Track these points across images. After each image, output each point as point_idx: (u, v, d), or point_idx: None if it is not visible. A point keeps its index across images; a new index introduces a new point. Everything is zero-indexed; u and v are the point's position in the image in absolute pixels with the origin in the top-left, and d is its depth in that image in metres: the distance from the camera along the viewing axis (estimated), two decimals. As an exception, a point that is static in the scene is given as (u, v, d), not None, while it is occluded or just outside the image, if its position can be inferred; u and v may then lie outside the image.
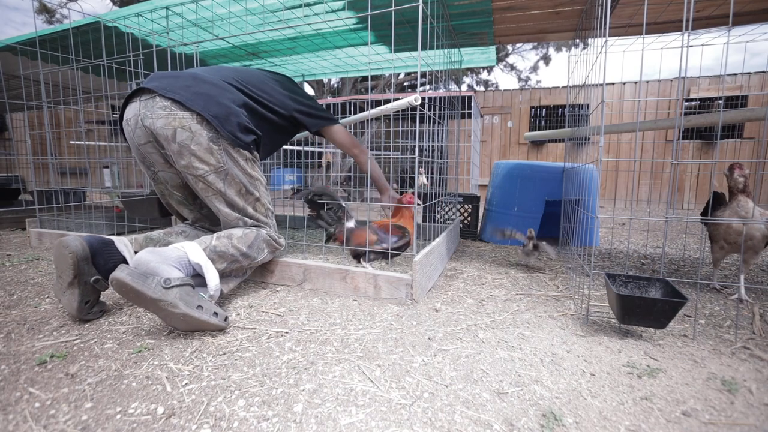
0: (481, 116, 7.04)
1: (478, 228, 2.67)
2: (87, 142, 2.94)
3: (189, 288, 1.03)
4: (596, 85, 1.32)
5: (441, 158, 2.61)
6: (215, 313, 1.05)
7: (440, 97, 2.24)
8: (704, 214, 1.53)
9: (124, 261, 1.19)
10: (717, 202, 1.47)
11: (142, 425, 0.68)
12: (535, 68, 11.67)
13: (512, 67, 11.95)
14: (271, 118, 1.48)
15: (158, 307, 0.98)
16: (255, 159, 1.40)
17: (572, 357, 0.95)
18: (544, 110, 7.18)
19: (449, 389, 0.81)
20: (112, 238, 1.22)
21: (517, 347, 1.00)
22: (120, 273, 0.97)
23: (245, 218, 1.36)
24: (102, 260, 1.14)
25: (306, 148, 4.50)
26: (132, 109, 1.31)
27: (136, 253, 1.18)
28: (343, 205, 1.61)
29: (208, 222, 1.55)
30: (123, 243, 1.23)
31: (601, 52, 1.19)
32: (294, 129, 1.65)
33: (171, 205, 1.54)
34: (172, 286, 0.99)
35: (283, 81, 1.63)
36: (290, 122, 1.58)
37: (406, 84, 10.48)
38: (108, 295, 1.33)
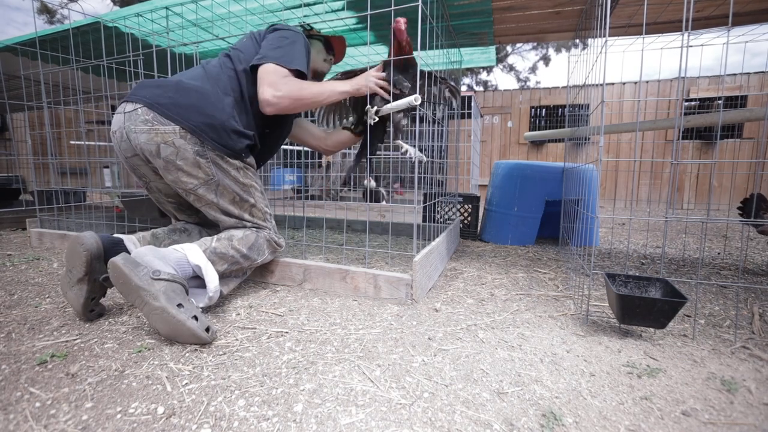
0: (481, 116, 7.04)
1: (478, 228, 2.68)
2: (87, 142, 2.94)
3: (179, 287, 1.02)
4: (596, 85, 1.32)
5: (441, 158, 2.61)
6: (195, 317, 0.97)
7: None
8: (746, 215, 1.75)
9: None
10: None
11: (143, 425, 0.68)
12: (534, 69, 11.67)
13: (512, 68, 11.95)
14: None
15: (139, 296, 0.96)
16: (248, 166, 1.34)
17: (572, 357, 0.95)
18: (544, 110, 7.17)
19: (449, 389, 0.81)
20: (122, 237, 1.22)
21: (517, 347, 1.00)
22: (117, 257, 0.99)
23: (243, 222, 1.36)
24: None
25: (306, 148, 4.49)
26: (117, 122, 1.27)
27: None
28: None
29: (207, 226, 1.54)
30: (132, 242, 1.23)
31: (601, 52, 1.20)
32: None
33: (169, 210, 1.53)
34: (161, 279, 0.99)
35: (271, 38, 1.37)
36: None
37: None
38: (109, 296, 1.34)
